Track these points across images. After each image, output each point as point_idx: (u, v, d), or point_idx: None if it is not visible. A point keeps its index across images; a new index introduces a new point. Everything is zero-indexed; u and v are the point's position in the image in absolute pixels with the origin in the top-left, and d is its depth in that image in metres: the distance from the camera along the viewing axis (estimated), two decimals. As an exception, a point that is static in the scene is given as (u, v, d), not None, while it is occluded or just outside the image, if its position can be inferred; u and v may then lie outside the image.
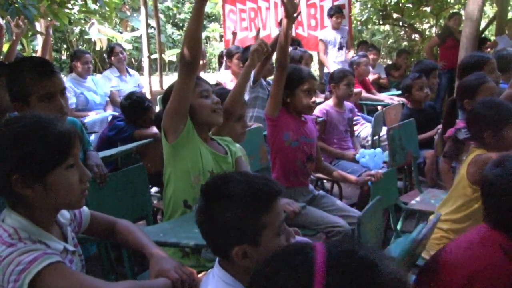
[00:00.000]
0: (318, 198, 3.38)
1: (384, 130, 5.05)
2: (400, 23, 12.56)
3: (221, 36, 17.30)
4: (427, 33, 13.23)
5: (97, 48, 14.83)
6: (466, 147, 3.13)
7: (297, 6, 3.05)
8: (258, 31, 3.27)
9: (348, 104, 4.75)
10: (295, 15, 3.05)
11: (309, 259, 0.92)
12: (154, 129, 3.94)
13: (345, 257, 0.92)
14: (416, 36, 13.35)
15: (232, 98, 2.80)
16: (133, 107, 4.06)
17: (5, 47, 4.97)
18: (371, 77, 7.28)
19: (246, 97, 4.67)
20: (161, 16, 16.90)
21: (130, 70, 6.38)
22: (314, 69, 13.43)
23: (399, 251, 1.91)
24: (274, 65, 3.37)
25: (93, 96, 5.61)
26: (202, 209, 1.49)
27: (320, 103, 4.63)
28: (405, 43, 13.75)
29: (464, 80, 3.66)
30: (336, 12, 7.80)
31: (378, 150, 4.14)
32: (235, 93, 2.82)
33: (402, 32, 14.15)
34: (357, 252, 0.93)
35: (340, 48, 7.86)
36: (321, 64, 8.92)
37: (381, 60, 14.97)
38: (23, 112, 2.22)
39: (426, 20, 13.37)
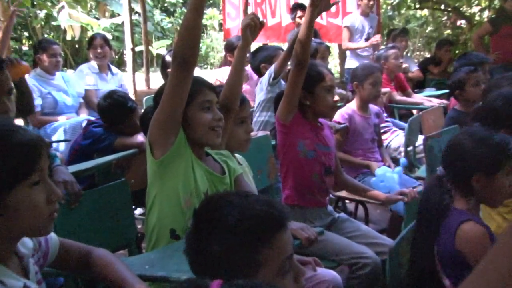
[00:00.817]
0: (338, 222, 3.39)
1: (420, 139, 5.05)
2: (442, 7, 12.53)
3: (220, 25, 17.39)
4: (477, 18, 13.14)
5: (68, 37, 14.87)
6: None
7: None
8: (246, 4, 3.27)
9: (373, 108, 4.73)
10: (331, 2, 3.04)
11: None
12: (139, 138, 3.94)
13: None
14: (462, 23, 13.30)
15: (227, 89, 2.75)
16: (114, 108, 4.03)
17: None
18: None
19: (263, 97, 4.64)
20: (148, -1, 17.00)
21: (113, 68, 6.41)
22: (334, 64, 13.50)
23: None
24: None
25: (63, 97, 5.62)
26: (191, 236, 1.49)
27: (340, 106, 4.61)
28: (448, 31, 13.71)
29: (496, 82, 3.71)
30: None
31: (396, 174, 4.06)
32: (230, 83, 2.76)
33: (445, 18, 14.11)
34: None
35: (368, 39, 7.86)
36: (342, 59, 8.92)
37: (417, 53, 14.96)
38: None
39: (476, 2, 13.26)
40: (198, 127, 2.42)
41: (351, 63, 7.72)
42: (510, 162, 2.33)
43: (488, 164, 2.32)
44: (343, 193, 4.23)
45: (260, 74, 5.14)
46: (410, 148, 5.07)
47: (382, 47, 7.16)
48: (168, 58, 5.19)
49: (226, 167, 2.59)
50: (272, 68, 4.55)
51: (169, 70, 3.68)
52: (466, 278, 0.92)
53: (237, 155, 3.04)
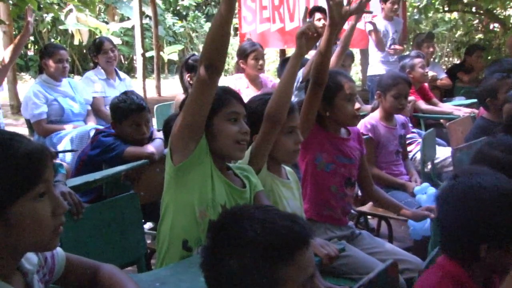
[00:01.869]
0: (359, 238, 3.38)
1: (443, 151, 5.02)
2: (474, 9, 12.39)
3: (235, 29, 17.43)
4: (512, 21, 12.96)
5: (75, 42, 14.99)
6: None
7: (347, 17, 3.07)
8: (306, 11, 3.29)
9: (399, 118, 4.68)
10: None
11: None
12: (149, 148, 3.96)
13: None
14: (495, 26, 13.14)
15: (276, 100, 2.72)
16: (123, 103, 4.00)
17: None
18: None
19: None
20: (159, 2, 17.09)
21: (121, 73, 6.43)
22: (356, 71, 13.47)
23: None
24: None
25: (70, 104, 5.63)
26: (208, 250, 1.50)
27: (364, 116, 4.58)
28: (480, 35, 13.56)
29: None
30: None
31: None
32: (279, 93, 2.73)
33: (476, 21, 13.97)
34: None
35: (392, 45, 7.82)
36: (364, 66, 8.87)
37: (446, 59, 14.86)
38: None
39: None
40: (222, 138, 2.46)
41: (376, 69, 7.65)
42: None
43: None
44: (365, 208, 4.20)
45: None
46: (429, 165, 4.97)
47: (407, 52, 7.09)
48: (191, 62, 5.18)
49: (248, 182, 2.61)
50: (300, 73, 4.56)
51: (188, 74, 3.75)
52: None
53: (287, 168, 3.06)
